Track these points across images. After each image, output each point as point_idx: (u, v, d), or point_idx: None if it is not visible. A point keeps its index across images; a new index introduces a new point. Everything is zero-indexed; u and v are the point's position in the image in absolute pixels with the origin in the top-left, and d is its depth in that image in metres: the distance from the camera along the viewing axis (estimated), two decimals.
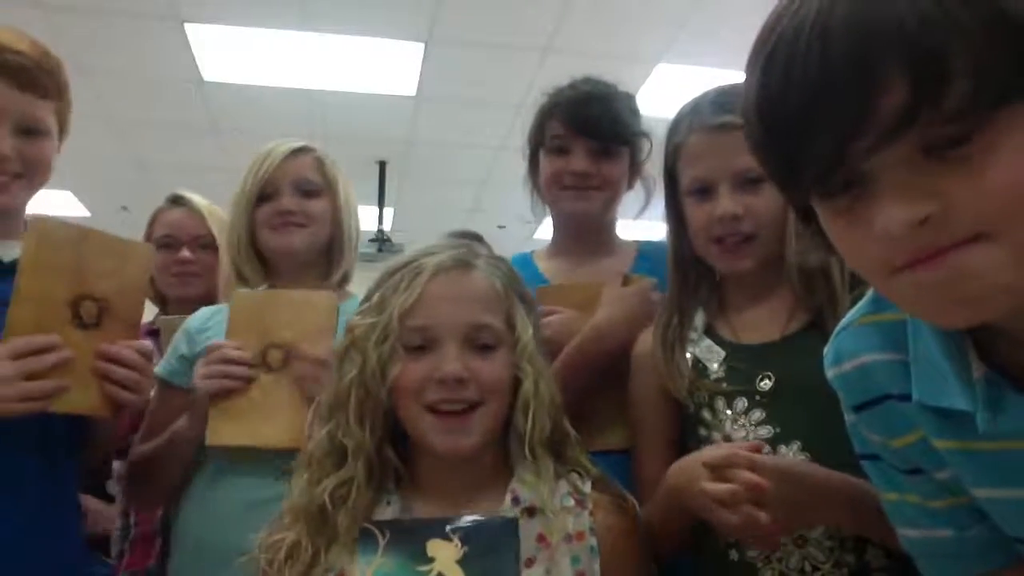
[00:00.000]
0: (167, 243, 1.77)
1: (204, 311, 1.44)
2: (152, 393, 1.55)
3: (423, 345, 0.93)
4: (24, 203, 1.24)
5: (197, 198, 1.84)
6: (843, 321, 0.74)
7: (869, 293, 0.72)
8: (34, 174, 1.21)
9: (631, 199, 1.47)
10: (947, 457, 0.66)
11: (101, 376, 1.11)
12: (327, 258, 1.44)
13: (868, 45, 0.47)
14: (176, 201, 1.83)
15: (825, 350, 0.75)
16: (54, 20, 3.63)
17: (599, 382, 1.24)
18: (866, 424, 0.74)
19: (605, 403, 1.24)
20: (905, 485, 0.74)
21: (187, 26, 3.78)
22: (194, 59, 4.07)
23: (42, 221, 1.11)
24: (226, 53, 4.04)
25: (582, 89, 1.39)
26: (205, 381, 1.26)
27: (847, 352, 0.72)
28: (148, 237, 1.80)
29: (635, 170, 1.43)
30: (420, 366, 0.92)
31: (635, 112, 1.42)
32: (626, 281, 1.29)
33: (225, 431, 1.26)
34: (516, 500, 0.92)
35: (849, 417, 0.76)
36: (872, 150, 0.48)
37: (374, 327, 0.93)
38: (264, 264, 1.42)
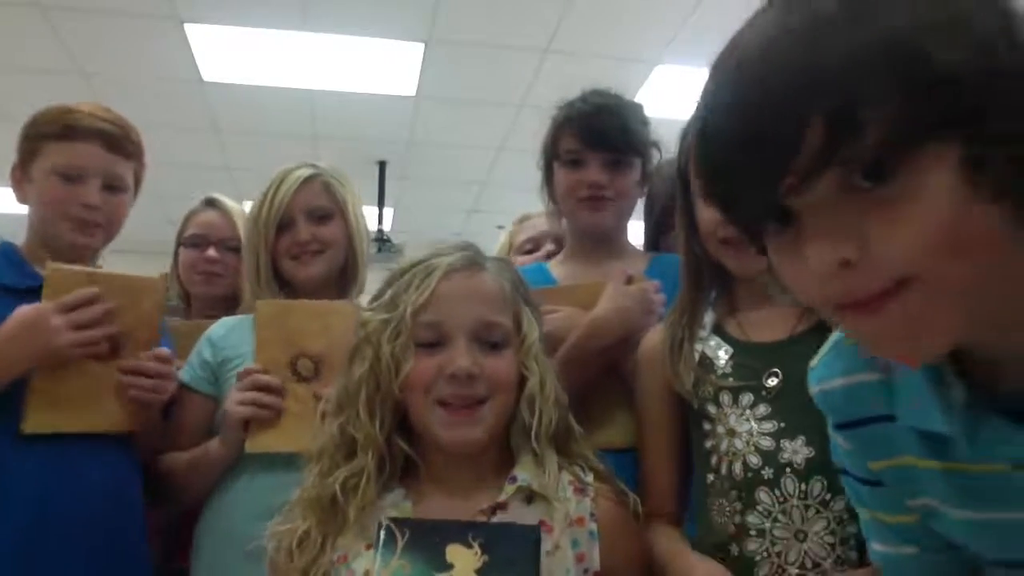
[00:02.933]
0: (196, 242, 1.85)
1: (225, 321, 1.51)
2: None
3: (434, 341, 0.95)
4: (99, 249, 1.45)
5: (229, 202, 1.90)
6: (831, 339, 0.74)
7: None
8: (112, 224, 1.42)
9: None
10: (928, 480, 0.67)
11: (126, 386, 1.30)
12: (343, 276, 1.50)
13: (785, 94, 0.48)
14: (210, 203, 1.90)
15: (811, 365, 0.75)
16: (54, 20, 3.63)
17: (596, 379, 1.25)
18: (847, 442, 0.74)
19: (603, 401, 1.26)
20: (873, 500, 0.74)
21: (187, 26, 3.78)
22: (194, 59, 4.07)
23: (56, 269, 1.27)
24: (226, 53, 4.04)
25: (594, 102, 1.40)
26: (239, 408, 1.30)
27: (835, 371, 0.72)
28: (180, 236, 1.90)
29: (646, 179, 1.44)
30: (431, 361, 0.94)
31: (645, 122, 1.43)
32: (629, 281, 1.30)
33: (265, 440, 1.31)
34: (513, 479, 0.95)
35: (831, 431, 0.77)
36: (793, 192, 0.50)
37: (387, 323, 0.96)
38: (282, 287, 1.48)
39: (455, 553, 0.87)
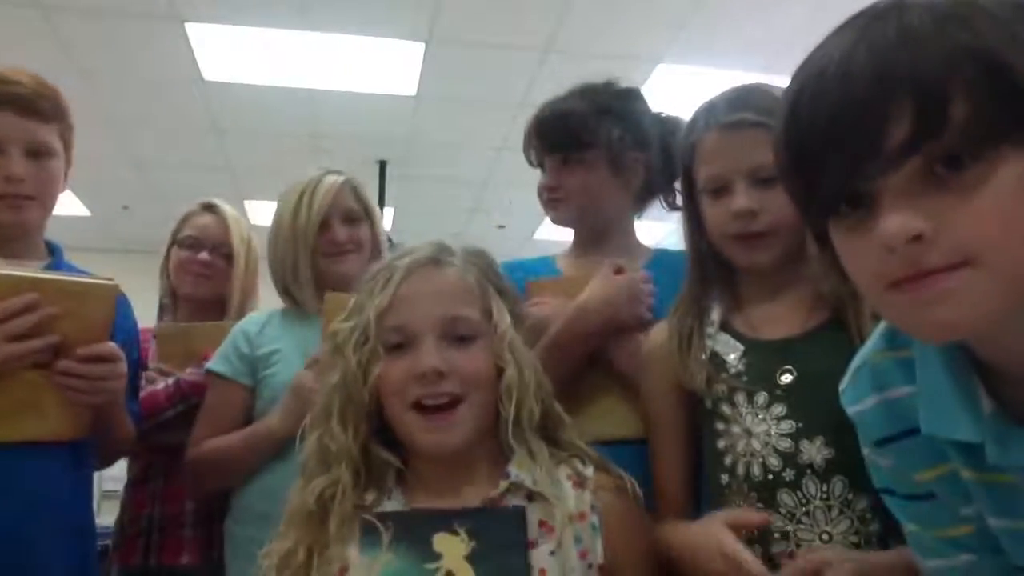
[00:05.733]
0: (190, 244, 1.87)
1: (255, 317, 1.62)
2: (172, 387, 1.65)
3: (402, 343, 0.95)
4: (39, 222, 1.35)
5: (227, 207, 1.93)
6: (858, 359, 0.76)
7: (879, 330, 0.74)
8: (45, 194, 1.33)
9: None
10: (971, 487, 0.68)
11: (63, 389, 1.19)
12: None
13: (882, 86, 0.54)
14: (208, 208, 1.92)
15: (841, 387, 0.77)
16: (54, 20, 3.63)
17: (581, 368, 1.26)
18: (889, 458, 0.75)
19: (594, 393, 1.26)
20: (923, 515, 0.75)
21: (187, 26, 3.78)
22: (194, 59, 4.07)
23: None
24: (226, 53, 4.04)
25: (550, 106, 1.44)
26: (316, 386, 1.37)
27: (865, 389, 0.74)
28: (175, 235, 1.91)
29: (617, 165, 1.39)
30: (400, 364, 0.94)
31: (608, 110, 1.38)
32: (619, 272, 1.30)
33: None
34: (507, 475, 0.94)
35: (868, 452, 0.78)
36: (880, 172, 0.55)
37: (353, 331, 0.96)
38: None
39: (442, 542, 0.87)
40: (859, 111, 0.55)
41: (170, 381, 1.66)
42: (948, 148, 0.53)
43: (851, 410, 0.77)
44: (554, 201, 1.43)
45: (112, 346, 1.24)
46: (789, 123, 0.61)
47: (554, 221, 1.49)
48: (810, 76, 0.59)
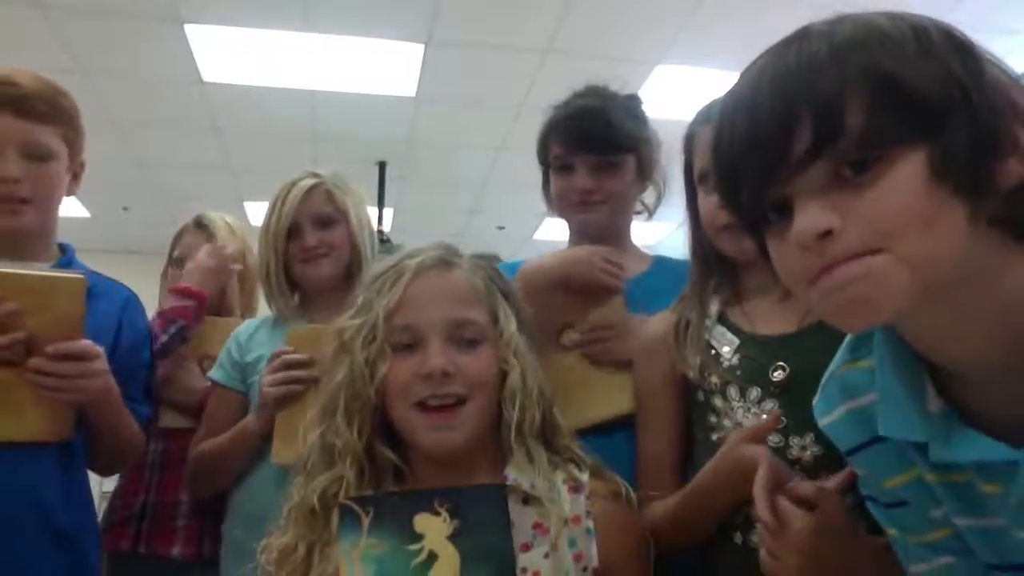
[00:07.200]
0: (180, 264, 1.88)
1: (248, 323, 1.65)
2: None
3: (409, 344, 0.95)
4: (41, 224, 1.32)
5: (220, 222, 1.92)
6: (826, 373, 0.79)
7: (844, 344, 0.78)
8: (44, 197, 1.29)
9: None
10: (936, 489, 0.71)
11: (35, 385, 1.15)
12: (348, 279, 1.57)
13: (783, 104, 0.61)
14: (199, 224, 1.92)
15: (814, 402, 0.81)
16: (54, 20, 3.63)
17: (566, 355, 1.28)
18: (862, 466, 0.79)
19: (575, 377, 1.27)
20: (900, 521, 0.77)
21: (187, 26, 3.78)
22: (194, 59, 4.07)
23: None
24: (226, 53, 4.04)
25: (577, 104, 1.41)
26: (272, 388, 1.41)
27: (834, 400, 0.78)
28: (170, 253, 1.93)
29: (644, 173, 1.44)
30: (407, 364, 0.94)
31: (636, 116, 1.43)
32: None
33: (288, 452, 1.35)
34: (504, 478, 0.94)
35: (849, 463, 0.81)
36: (789, 177, 0.61)
37: (360, 328, 0.96)
38: (293, 290, 1.61)
39: (424, 522, 0.86)
40: (766, 128, 0.62)
41: (155, 314, 1.68)
42: (848, 152, 0.59)
43: (823, 423, 0.80)
44: (589, 204, 1.41)
45: (86, 344, 1.19)
46: (714, 149, 0.69)
47: (580, 224, 1.46)
48: (727, 106, 0.67)
